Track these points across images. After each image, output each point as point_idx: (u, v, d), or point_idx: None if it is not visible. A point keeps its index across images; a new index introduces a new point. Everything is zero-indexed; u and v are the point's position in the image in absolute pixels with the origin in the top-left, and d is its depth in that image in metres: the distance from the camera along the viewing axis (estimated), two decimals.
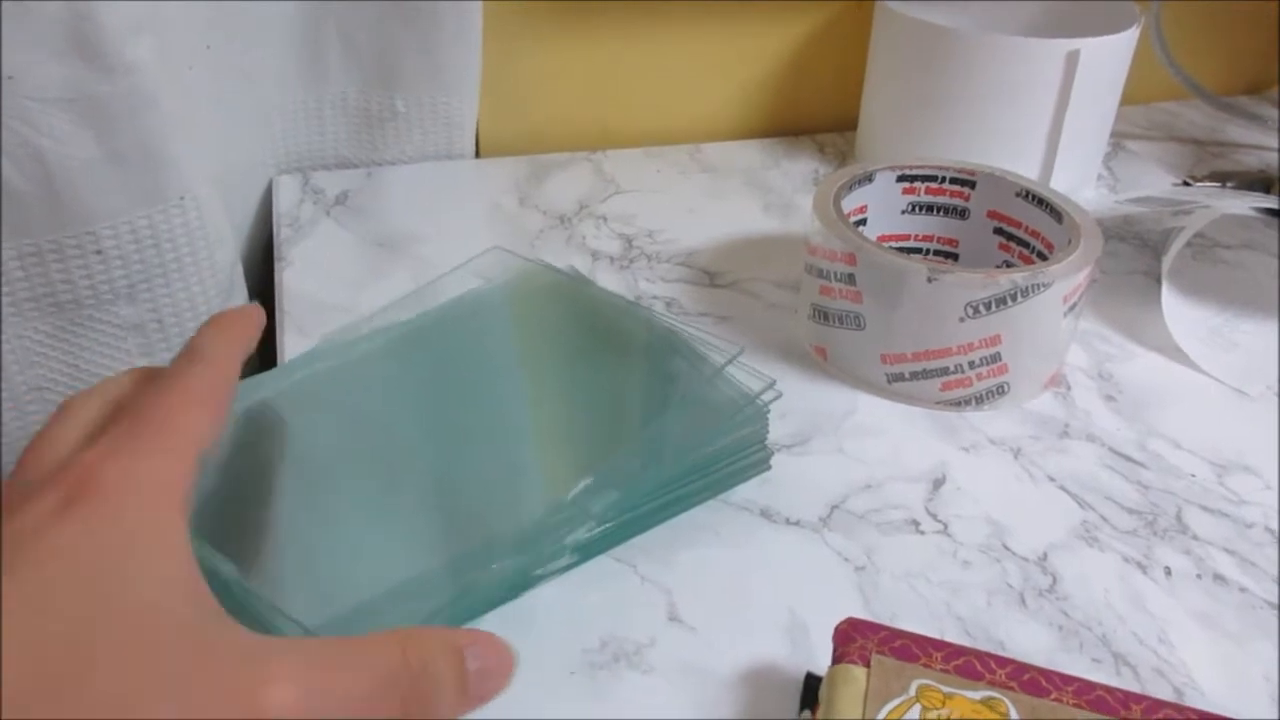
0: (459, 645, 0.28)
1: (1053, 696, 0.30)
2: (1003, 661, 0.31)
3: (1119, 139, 0.75)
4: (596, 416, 0.41)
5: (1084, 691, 0.30)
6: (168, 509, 0.26)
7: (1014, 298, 0.44)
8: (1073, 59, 0.59)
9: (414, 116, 0.65)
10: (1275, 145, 0.68)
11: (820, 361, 0.50)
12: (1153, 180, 0.70)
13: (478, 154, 0.69)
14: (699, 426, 0.40)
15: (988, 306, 0.44)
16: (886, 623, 0.36)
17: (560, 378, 0.43)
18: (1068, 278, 0.45)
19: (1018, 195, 0.52)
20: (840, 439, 0.45)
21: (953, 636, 0.36)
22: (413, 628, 0.28)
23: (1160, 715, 0.30)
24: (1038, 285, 0.44)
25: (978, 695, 0.30)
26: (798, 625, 0.36)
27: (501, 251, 0.49)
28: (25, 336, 0.48)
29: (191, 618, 0.25)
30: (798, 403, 0.47)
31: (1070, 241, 0.47)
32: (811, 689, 0.33)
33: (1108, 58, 0.61)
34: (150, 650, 0.23)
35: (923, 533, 0.41)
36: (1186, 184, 0.69)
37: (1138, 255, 0.61)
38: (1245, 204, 0.54)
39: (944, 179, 0.54)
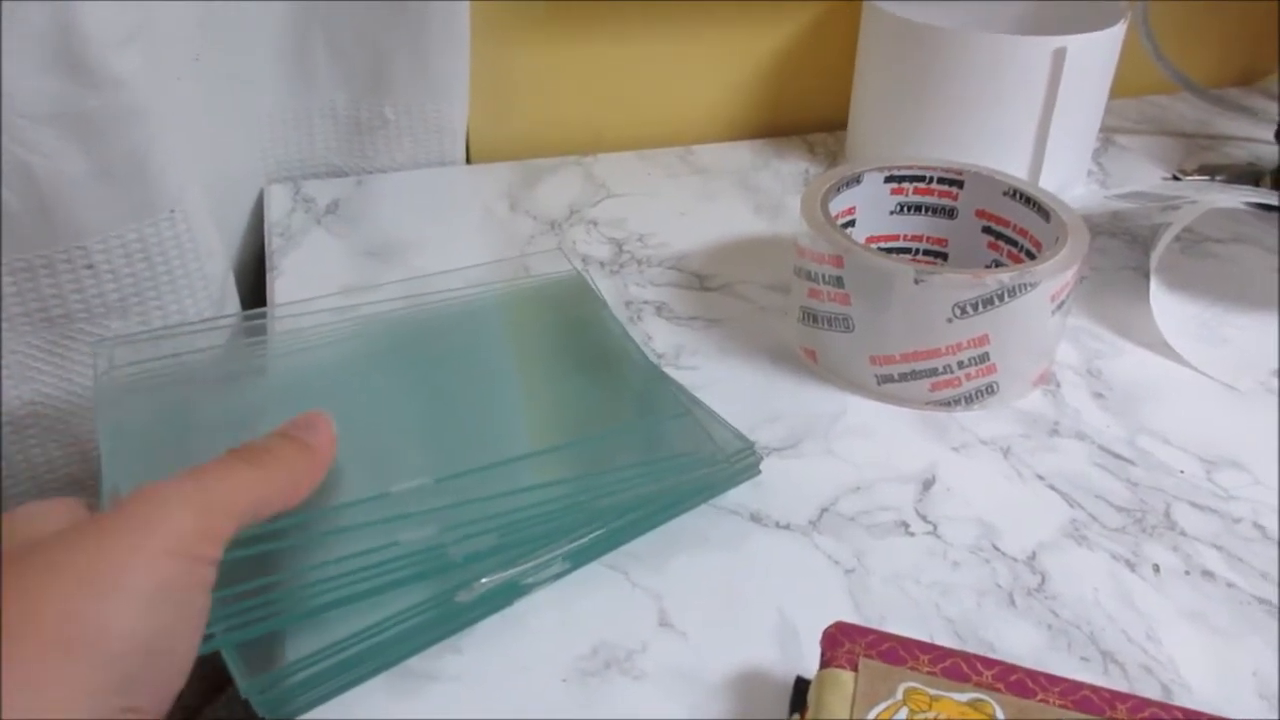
0: (284, 429, 0.35)
1: (1039, 697, 0.30)
2: (989, 663, 0.31)
3: (1109, 134, 0.75)
4: (533, 422, 0.42)
5: (1070, 692, 0.31)
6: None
7: (1001, 298, 0.44)
8: (1059, 56, 0.59)
9: (404, 124, 0.65)
10: (1264, 137, 0.68)
11: (810, 364, 0.50)
12: (1143, 175, 0.70)
13: (468, 160, 0.69)
14: (640, 461, 0.41)
15: (975, 307, 0.44)
16: (876, 625, 0.36)
17: (530, 386, 0.44)
18: (1055, 277, 0.45)
19: (1005, 194, 0.52)
20: (830, 441, 0.46)
21: (942, 638, 0.36)
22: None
23: (1146, 714, 0.30)
24: (1025, 285, 0.44)
25: (964, 697, 0.30)
26: (788, 629, 0.37)
27: (559, 254, 0.52)
28: (18, 351, 0.49)
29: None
30: (788, 406, 0.47)
31: (1058, 240, 0.47)
32: (801, 693, 0.33)
33: (1095, 54, 0.61)
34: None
35: (912, 534, 0.41)
36: (1176, 178, 0.69)
37: (1128, 251, 0.61)
38: (1233, 198, 0.54)
39: (932, 179, 0.54)
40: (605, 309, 0.49)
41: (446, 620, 0.36)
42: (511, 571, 0.37)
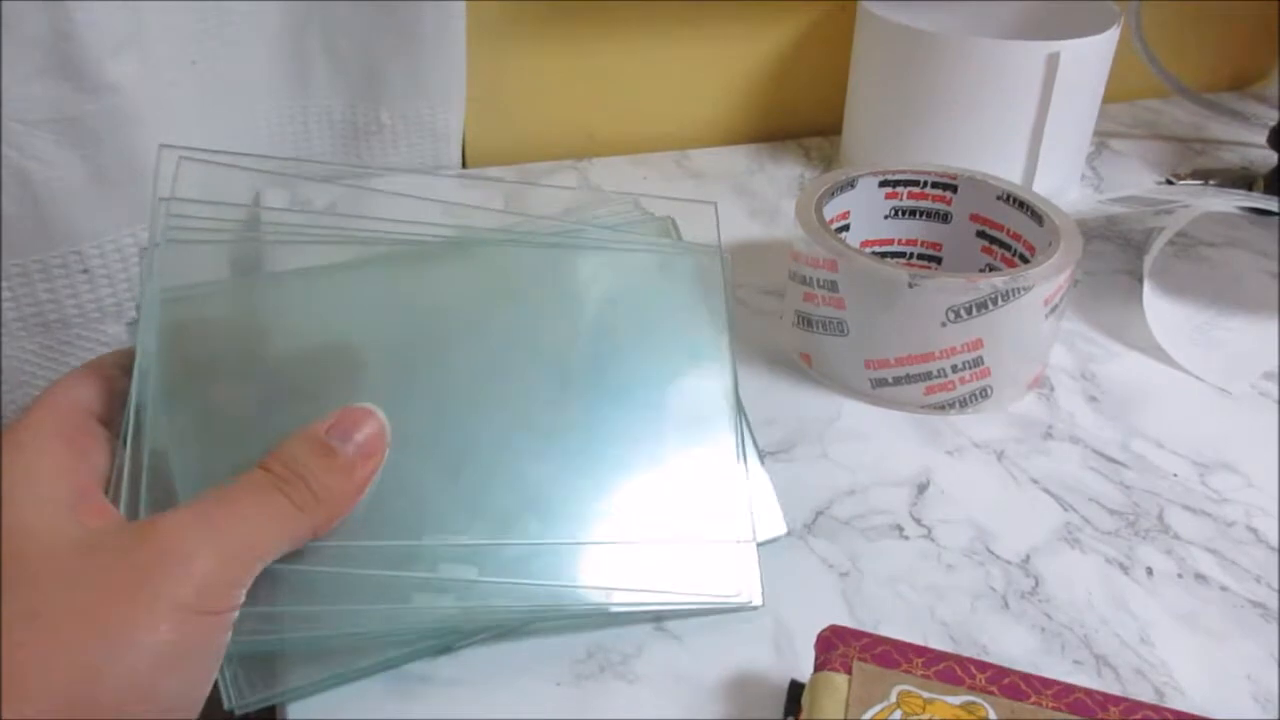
0: (318, 437, 0.31)
1: (1032, 700, 0.30)
2: (983, 666, 0.31)
3: (1103, 138, 0.75)
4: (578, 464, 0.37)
5: (1063, 694, 0.31)
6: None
7: (994, 301, 0.44)
8: (1053, 61, 0.60)
9: (399, 128, 0.65)
10: (1257, 141, 0.68)
11: (805, 368, 0.50)
12: (1137, 179, 0.71)
13: (464, 164, 0.70)
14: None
15: (969, 311, 0.45)
16: (871, 628, 0.36)
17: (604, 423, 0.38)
18: (1048, 281, 0.45)
19: (999, 198, 0.52)
20: (825, 445, 0.46)
21: (936, 641, 0.36)
22: (272, 449, 0.31)
23: (1138, 716, 0.30)
24: (1018, 289, 0.44)
25: (958, 700, 0.30)
26: (783, 632, 0.37)
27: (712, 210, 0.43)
28: (14, 356, 0.49)
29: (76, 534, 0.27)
30: (783, 410, 0.47)
31: (1051, 244, 0.48)
32: (795, 696, 0.33)
33: (1088, 59, 0.61)
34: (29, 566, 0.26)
35: (907, 538, 0.41)
36: (1170, 182, 0.69)
37: (1121, 255, 0.61)
38: (1225, 202, 0.55)
39: (926, 183, 0.54)
40: (725, 340, 0.41)
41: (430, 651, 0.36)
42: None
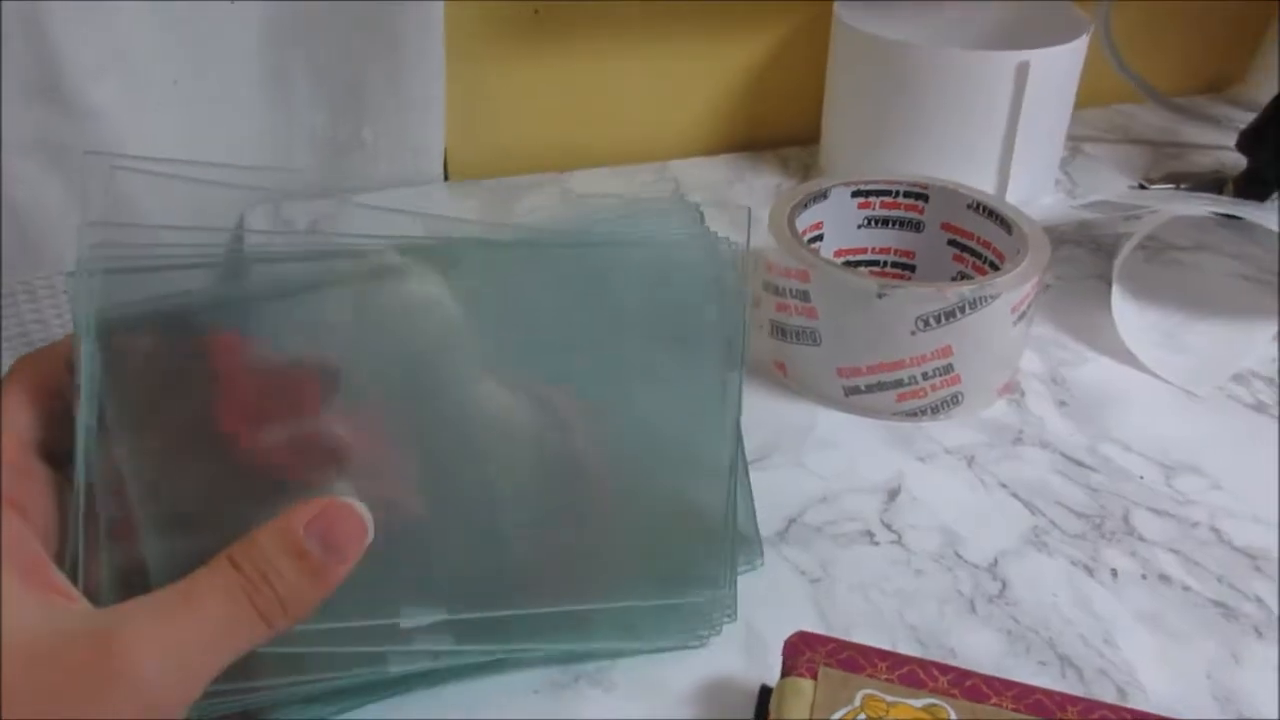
0: (293, 535, 0.29)
1: (992, 701, 0.31)
2: (945, 669, 0.32)
3: (1077, 142, 0.76)
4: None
5: (1023, 696, 0.32)
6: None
7: (963, 310, 0.45)
8: (1023, 70, 0.61)
9: (381, 144, 0.66)
10: (1229, 144, 0.69)
11: (780, 377, 0.51)
12: (1110, 183, 0.72)
13: (446, 178, 0.70)
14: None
15: (938, 320, 0.46)
16: (841, 634, 0.37)
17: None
18: (1015, 289, 0.46)
19: (969, 207, 0.53)
20: (799, 453, 0.47)
21: (905, 645, 0.37)
22: (245, 537, 0.29)
23: (1095, 716, 0.31)
24: (985, 297, 0.45)
25: (920, 703, 0.31)
26: (755, 639, 0.37)
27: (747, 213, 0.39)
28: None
29: (22, 628, 0.26)
30: (759, 418, 0.48)
31: (1019, 252, 0.49)
32: (765, 701, 0.34)
33: (1057, 67, 0.63)
34: None
35: (877, 544, 0.42)
36: (1142, 187, 0.70)
37: (1093, 260, 0.62)
38: (1193, 207, 0.56)
39: (898, 193, 0.55)
40: (737, 376, 0.36)
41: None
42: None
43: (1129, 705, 0.35)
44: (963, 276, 0.54)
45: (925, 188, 0.54)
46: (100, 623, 0.26)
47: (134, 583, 0.29)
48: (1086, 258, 0.62)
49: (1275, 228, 0.53)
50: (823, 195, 0.54)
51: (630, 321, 0.35)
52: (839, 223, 0.55)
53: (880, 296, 0.45)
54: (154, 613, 0.27)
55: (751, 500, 0.39)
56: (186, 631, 0.27)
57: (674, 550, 0.36)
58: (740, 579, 0.38)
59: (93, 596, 0.29)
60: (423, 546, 0.33)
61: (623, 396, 0.35)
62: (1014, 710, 0.31)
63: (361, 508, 0.30)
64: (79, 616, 0.27)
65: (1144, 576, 0.40)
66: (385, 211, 0.35)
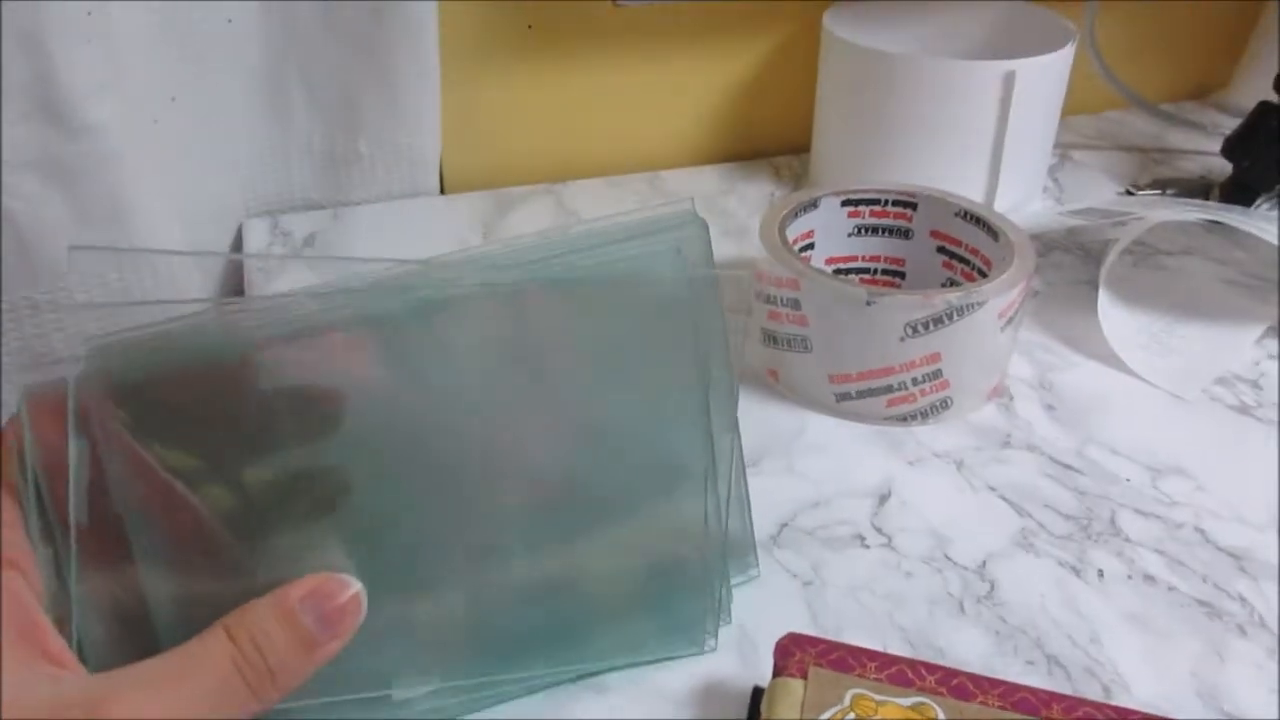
0: (288, 606, 0.29)
1: (979, 699, 0.32)
2: (932, 668, 0.33)
3: (1065, 149, 0.77)
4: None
5: (1009, 694, 0.32)
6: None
7: (950, 317, 0.46)
8: (1009, 79, 0.62)
9: (377, 157, 0.67)
10: (1215, 150, 0.70)
11: (772, 383, 0.52)
12: (1098, 189, 0.73)
13: (442, 190, 0.71)
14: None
15: (926, 326, 0.46)
16: (833, 635, 0.38)
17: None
18: (1001, 295, 0.47)
19: (956, 215, 0.54)
20: (792, 458, 0.47)
21: (895, 646, 0.38)
22: (241, 608, 0.29)
23: (1079, 713, 0.32)
24: (972, 304, 0.46)
25: (908, 701, 0.32)
26: (747, 640, 0.38)
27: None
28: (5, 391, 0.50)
29: (13, 700, 0.26)
30: (751, 424, 0.48)
31: (1005, 259, 0.49)
32: (758, 702, 0.34)
33: (1044, 76, 0.63)
34: None
35: (868, 547, 0.42)
36: (1130, 193, 0.71)
37: (1081, 265, 0.63)
38: (1177, 214, 0.56)
39: (886, 201, 0.56)
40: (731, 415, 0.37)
41: None
42: None
43: (1114, 703, 0.35)
44: (952, 283, 0.55)
45: (913, 196, 0.55)
46: (93, 692, 0.27)
47: (131, 623, 0.30)
48: (1075, 263, 0.63)
49: (1259, 233, 0.54)
50: (813, 205, 0.55)
51: (603, 350, 0.35)
52: (829, 231, 0.56)
53: (869, 304, 0.46)
54: (146, 684, 0.27)
55: (749, 510, 0.40)
56: (177, 704, 0.27)
57: (665, 567, 0.37)
58: (735, 587, 0.39)
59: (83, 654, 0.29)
60: (413, 617, 0.33)
61: (602, 421, 0.35)
62: (1000, 708, 0.32)
63: (357, 584, 0.31)
64: (72, 685, 0.27)
65: (1130, 577, 0.41)
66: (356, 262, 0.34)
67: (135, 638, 0.30)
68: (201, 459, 0.30)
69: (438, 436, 0.33)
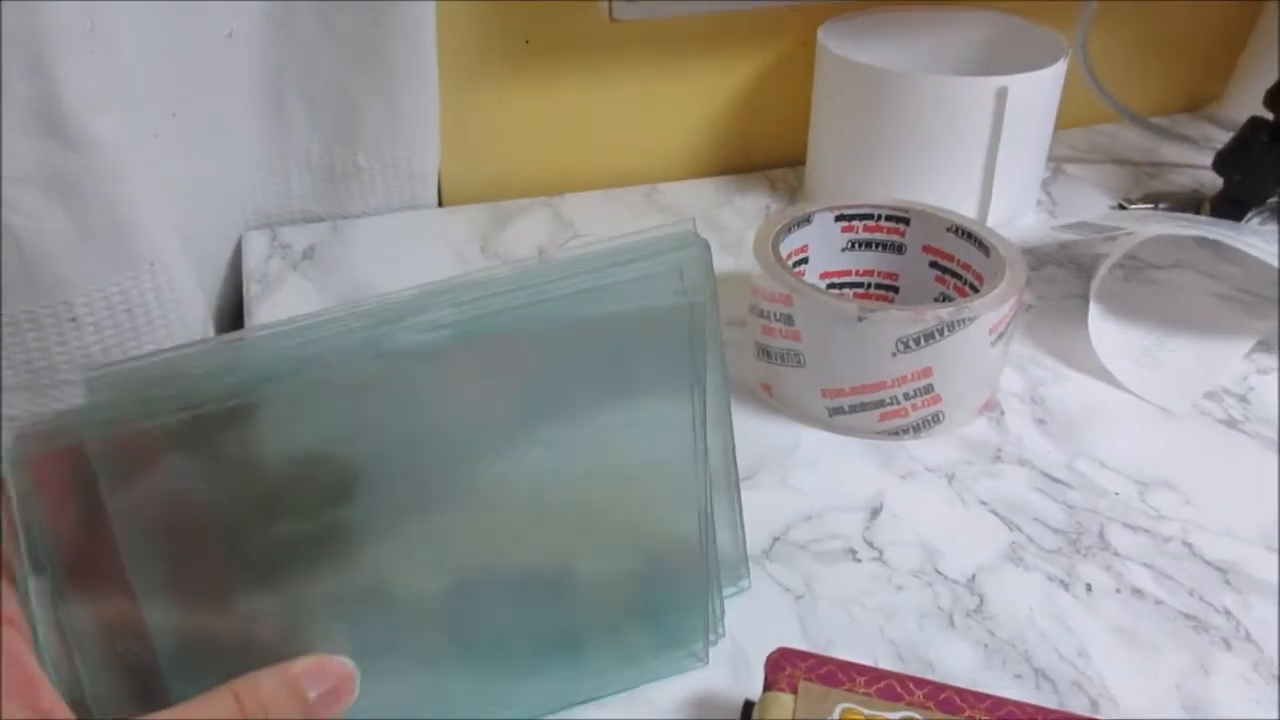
0: (294, 677, 0.31)
1: (966, 713, 0.33)
2: (921, 683, 0.33)
3: (1059, 163, 0.78)
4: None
5: (995, 708, 0.33)
6: None
7: (941, 332, 0.47)
8: (1002, 95, 0.62)
9: (376, 171, 0.68)
10: (1207, 164, 0.71)
11: (766, 397, 0.52)
12: (1091, 203, 0.73)
13: (440, 203, 0.72)
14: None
15: (917, 341, 0.47)
16: (823, 649, 0.38)
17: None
18: (992, 311, 0.48)
19: (949, 230, 0.54)
20: (784, 472, 0.48)
21: (885, 659, 0.39)
22: (247, 674, 0.30)
23: None
24: (963, 320, 0.47)
25: (897, 715, 0.32)
26: (739, 654, 0.39)
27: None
28: (6, 404, 0.51)
29: None
30: (745, 438, 0.49)
31: (997, 274, 0.50)
32: (749, 716, 0.35)
33: (1036, 92, 0.64)
34: None
35: (859, 560, 0.43)
36: (1122, 207, 0.72)
37: (1073, 280, 0.63)
38: (1167, 228, 0.57)
39: (879, 217, 0.56)
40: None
41: None
42: None
43: (1098, 716, 0.36)
44: (944, 298, 0.55)
45: (906, 211, 0.56)
46: None
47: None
48: (1067, 277, 0.64)
49: (1248, 249, 0.55)
50: (806, 220, 0.55)
51: (600, 375, 0.34)
52: (823, 246, 0.57)
53: (861, 320, 0.47)
54: None
55: (742, 525, 0.40)
56: None
57: (660, 582, 0.37)
58: (726, 599, 0.39)
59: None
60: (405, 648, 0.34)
61: (596, 449, 0.35)
62: None
63: (352, 666, 0.32)
64: None
65: (1118, 591, 0.42)
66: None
67: (132, 676, 0.31)
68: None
69: (438, 480, 0.33)
